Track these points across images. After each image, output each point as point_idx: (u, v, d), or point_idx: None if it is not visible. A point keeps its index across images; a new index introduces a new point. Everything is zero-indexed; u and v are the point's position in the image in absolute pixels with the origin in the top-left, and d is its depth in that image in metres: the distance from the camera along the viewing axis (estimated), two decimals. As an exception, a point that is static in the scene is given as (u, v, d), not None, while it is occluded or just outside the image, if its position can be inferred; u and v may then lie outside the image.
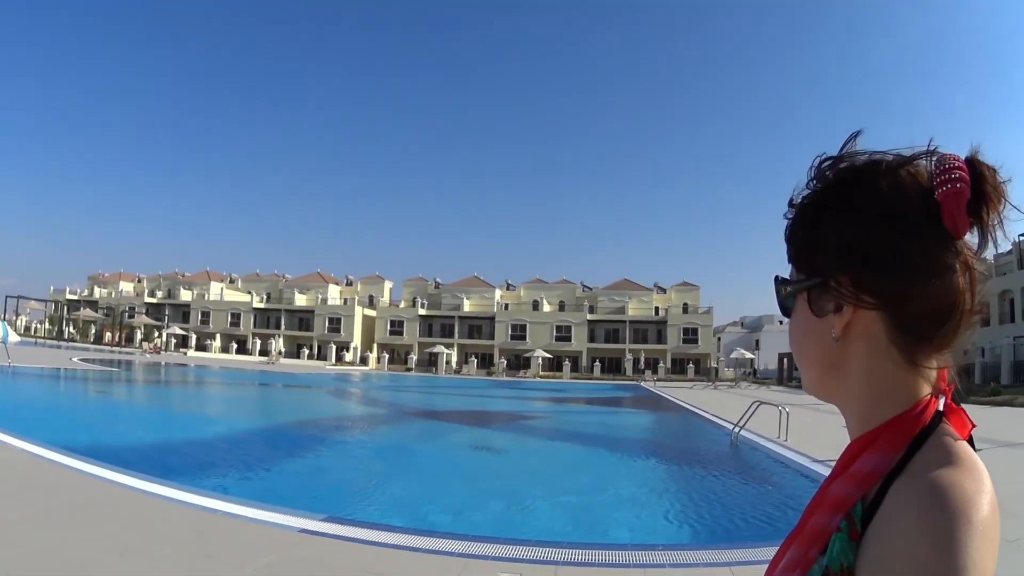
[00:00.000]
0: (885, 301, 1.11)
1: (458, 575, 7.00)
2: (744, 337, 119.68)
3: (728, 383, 76.16)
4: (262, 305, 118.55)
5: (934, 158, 1.11)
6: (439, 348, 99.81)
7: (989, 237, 1.11)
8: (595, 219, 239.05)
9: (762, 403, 22.70)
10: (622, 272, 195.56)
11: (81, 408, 26.75)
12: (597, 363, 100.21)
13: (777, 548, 1.25)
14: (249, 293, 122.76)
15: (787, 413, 20.62)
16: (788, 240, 1.27)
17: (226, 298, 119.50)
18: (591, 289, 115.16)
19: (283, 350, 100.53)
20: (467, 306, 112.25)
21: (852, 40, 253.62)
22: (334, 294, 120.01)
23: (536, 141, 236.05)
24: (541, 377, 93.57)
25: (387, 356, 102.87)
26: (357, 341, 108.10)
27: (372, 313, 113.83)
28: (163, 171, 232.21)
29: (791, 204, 1.26)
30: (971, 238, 1.11)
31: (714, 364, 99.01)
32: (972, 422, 1.18)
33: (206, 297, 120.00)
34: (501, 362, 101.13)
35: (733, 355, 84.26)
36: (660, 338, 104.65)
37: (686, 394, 53.35)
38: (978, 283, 1.12)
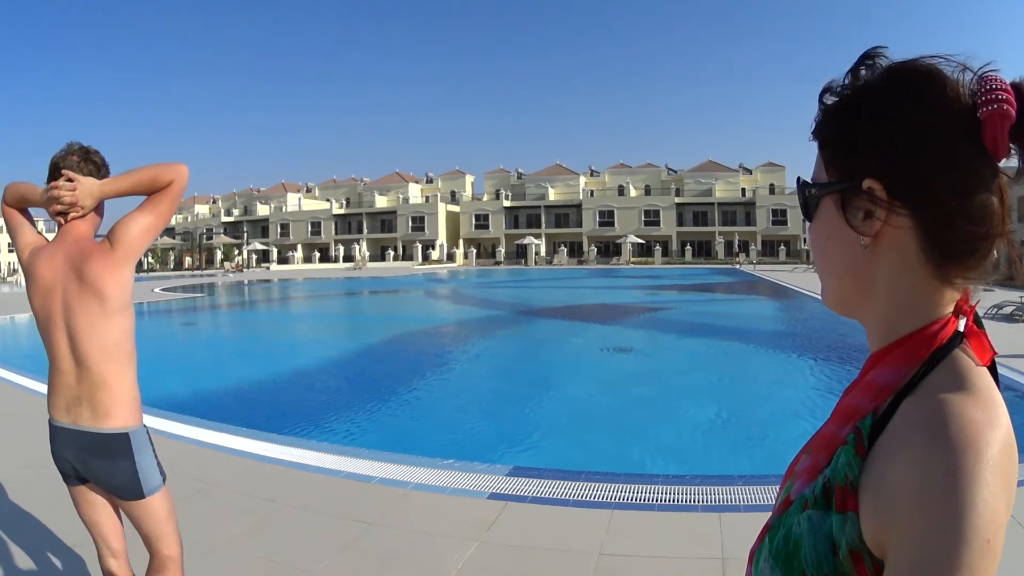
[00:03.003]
0: (920, 213, 1.07)
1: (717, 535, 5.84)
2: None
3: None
4: (342, 211, 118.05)
5: (976, 76, 1.07)
6: (528, 239, 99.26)
7: None
8: (675, 99, 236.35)
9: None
10: (705, 153, 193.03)
11: (168, 350, 21.74)
12: (688, 247, 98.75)
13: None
14: (328, 200, 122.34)
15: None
16: (819, 137, 1.20)
17: (304, 207, 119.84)
18: (676, 172, 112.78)
19: (367, 254, 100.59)
20: (552, 195, 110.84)
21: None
22: (415, 193, 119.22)
23: (615, 25, 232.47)
24: (633, 263, 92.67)
25: (474, 251, 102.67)
26: (442, 238, 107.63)
27: (456, 209, 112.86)
28: (224, 82, 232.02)
29: (825, 97, 1.20)
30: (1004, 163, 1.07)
31: (805, 246, 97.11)
32: (993, 348, 1.14)
33: (284, 209, 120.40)
34: (591, 250, 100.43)
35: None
36: (749, 220, 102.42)
37: (791, 277, 52.57)
38: (1008, 207, 1.09)
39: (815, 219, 1.22)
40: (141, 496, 3.49)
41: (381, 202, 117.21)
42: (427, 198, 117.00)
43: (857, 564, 1.00)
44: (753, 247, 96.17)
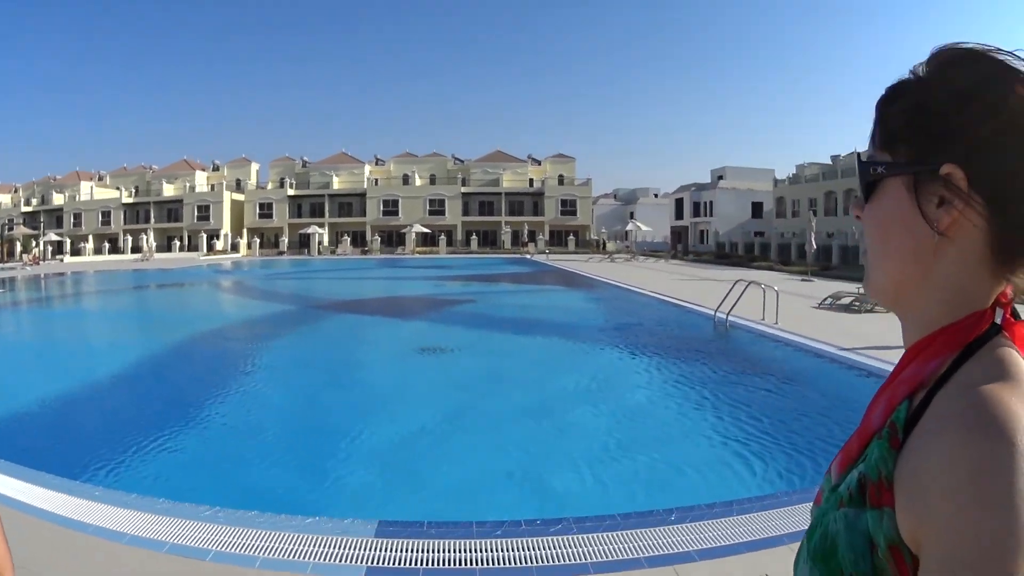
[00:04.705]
0: (997, 206, 1.04)
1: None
2: (617, 209, 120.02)
3: (625, 256, 75.43)
4: (131, 200, 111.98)
5: None
6: (312, 229, 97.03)
7: None
8: (464, 90, 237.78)
9: (751, 283, 21.25)
10: (494, 144, 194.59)
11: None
12: (474, 236, 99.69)
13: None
14: (118, 189, 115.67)
15: (776, 292, 19.60)
16: (889, 113, 1.16)
17: (96, 196, 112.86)
18: (463, 162, 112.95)
19: (154, 244, 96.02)
20: (336, 184, 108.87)
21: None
22: (201, 181, 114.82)
23: (399, 13, 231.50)
24: (417, 253, 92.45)
25: (258, 241, 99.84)
26: (227, 228, 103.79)
27: (240, 197, 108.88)
28: (22, 63, 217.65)
29: (908, 78, 1.16)
30: None
31: (595, 236, 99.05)
32: None
33: (77, 198, 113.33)
34: (375, 239, 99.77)
35: (628, 227, 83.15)
36: (536, 210, 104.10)
37: (594, 268, 52.60)
38: None
39: (875, 200, 1.17)
40: None
41: (168, 190, 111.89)
42: (213, 187, 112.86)
43: (897, 560, 0.99)
44: (541, 236, 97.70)
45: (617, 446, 9.81)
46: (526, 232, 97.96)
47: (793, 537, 5.63)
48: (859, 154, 1.19)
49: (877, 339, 15.92)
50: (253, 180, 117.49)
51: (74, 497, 6.66)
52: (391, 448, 9.91)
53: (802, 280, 37.81)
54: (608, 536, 5.71)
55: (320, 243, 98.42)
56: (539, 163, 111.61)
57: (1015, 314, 1.10)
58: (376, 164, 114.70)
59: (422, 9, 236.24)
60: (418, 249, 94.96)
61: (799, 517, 6.02)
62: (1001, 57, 1.07)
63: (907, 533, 0.97)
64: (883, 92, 1.18)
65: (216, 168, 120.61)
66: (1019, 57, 1.06)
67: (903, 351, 0.99)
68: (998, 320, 1.08)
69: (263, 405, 12.86)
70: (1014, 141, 1.02)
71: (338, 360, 18.06)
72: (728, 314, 19.62)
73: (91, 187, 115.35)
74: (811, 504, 1.24)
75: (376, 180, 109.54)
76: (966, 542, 0.88)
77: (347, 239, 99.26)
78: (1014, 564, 0.86)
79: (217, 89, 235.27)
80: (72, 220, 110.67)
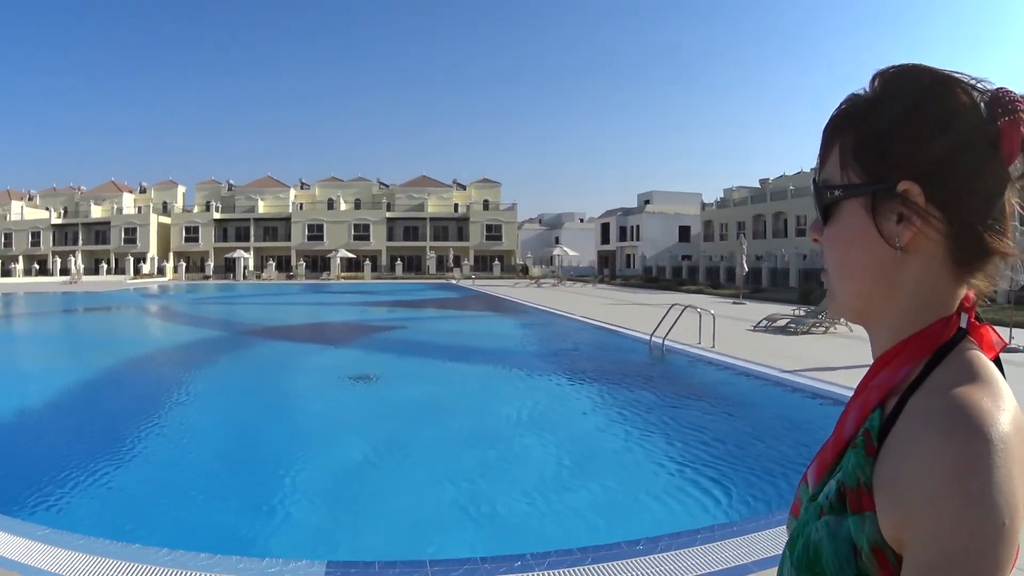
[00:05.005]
0: (952, 217, 1.08)
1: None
2: (543, 234, 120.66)
3: (551, 281, 75.68)
4: (60, 221, 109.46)
5: (992, 89, 1.10)
6: (237, 253, 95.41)
7: None
8: (387, 112, 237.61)
9: (687, 307, 21.15)
10: (419, 169, 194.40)
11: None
12: (399, 262, 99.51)
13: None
14: (47, 209, 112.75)
15: (713, 316, 19.60)
16: (841, 135, 1.19)
17: (27, 217, 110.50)
18: (388, 186, 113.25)
19: (82, 267, 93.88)
20: (262, 208, 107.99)
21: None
22: (128, 203, 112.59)
23: (327, 32, 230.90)
24: (343, 278, 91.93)
25: (184, 265, 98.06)
26: (153, 251, 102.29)
27: (167, 220, 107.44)
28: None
29: (854, 100, 1.20)
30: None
31: (520, 261, 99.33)
32: (1003, 340, 1.17)
33: (8, 218, 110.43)
34: (300, 264, 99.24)
35: (555, 252, 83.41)
36: (461, 235, 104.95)
37: (522, 293, 53.12)
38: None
39: (834, 223, 1.20)
40: None
41: (96, 212, 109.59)
42: (140, 209, 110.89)
43: (880, 561, 1.01)
44: (466, 262, 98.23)
45: (568, 475, 9.70)
46: (451, 257, 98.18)
47: (760, 565, 5.51)
48: (815, 178, 1.23)
49: (817, 361, 16.17)
50: (179, 203, 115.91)
51: (16, 536, 6.25)
52: (336, 483, 9.54)
53: (734, 303, 38.31)
54: (569, 572, 5.57)
55: (246, 268, 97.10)
56: (464, 188, 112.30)
57: (978, 317, 1.15)
58: (301, 188, 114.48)
59: (344, 31, 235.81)
60: (343, 274, 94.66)
61: (765, 544, 6.03)
62: (941, 70, 1.12)
63: (889, 533, 0.99)
64: (831, 115, 1.21)
65: (143, 190, 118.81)
66: (957, 71, 1.11)
67: (845, 371, 1.07)
68: (963, 325, 1.12)
69: (198, 438, 12.11)
70: (963, 152, 1.07)
71: (274, 390, 17.21)
72: (664, 338, 19.55)
73: (21, 207, 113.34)
74: (787, 516, 1.28)
75: (301, 204, 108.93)
76: (951, 538, 0.90)
77: (272, 264, 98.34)
78: (996, 556, 0.90)
79: (143, 107, 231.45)
80: (3, 240, 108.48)
